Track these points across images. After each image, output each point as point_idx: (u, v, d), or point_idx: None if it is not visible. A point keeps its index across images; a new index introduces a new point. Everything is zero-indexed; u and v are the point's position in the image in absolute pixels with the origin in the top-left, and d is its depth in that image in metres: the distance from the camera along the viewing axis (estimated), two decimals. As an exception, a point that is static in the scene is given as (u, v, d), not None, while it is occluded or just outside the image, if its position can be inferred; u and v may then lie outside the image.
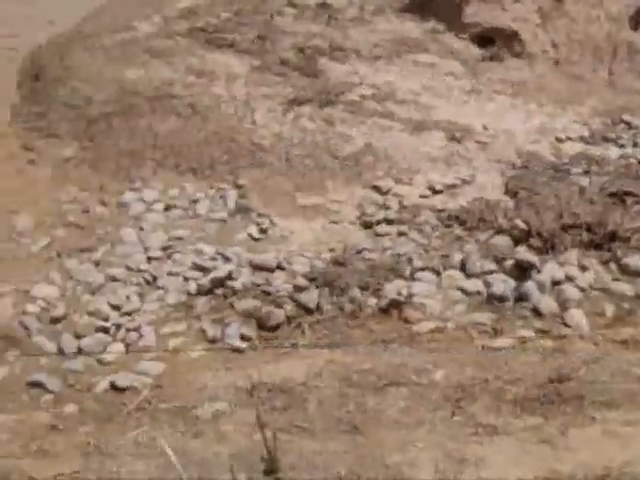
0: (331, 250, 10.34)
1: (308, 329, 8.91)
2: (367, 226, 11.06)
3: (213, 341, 8.67)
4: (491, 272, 9.57)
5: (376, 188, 11.88)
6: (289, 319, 8.98)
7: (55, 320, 8.97)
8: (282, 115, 13.19)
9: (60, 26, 17.44)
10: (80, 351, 8.53)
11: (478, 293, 9.38)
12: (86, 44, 15.83)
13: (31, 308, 9.12)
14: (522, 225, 10.24)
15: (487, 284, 9.40)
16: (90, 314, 8.98)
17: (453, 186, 12.07)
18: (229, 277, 9.39)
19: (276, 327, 8.90)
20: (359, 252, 10.23)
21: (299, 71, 14.83)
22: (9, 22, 18.72)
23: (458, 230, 10.73)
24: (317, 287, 9.35)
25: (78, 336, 8.69)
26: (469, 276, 9.64)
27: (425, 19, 17.95)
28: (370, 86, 14.68)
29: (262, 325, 8.88)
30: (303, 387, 7.95)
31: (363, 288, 9.37)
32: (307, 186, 11.83)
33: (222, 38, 16.06)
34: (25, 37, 17.30)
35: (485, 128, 13.87)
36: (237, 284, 9.30)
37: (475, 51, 17.02)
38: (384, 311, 9.19)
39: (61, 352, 8.54)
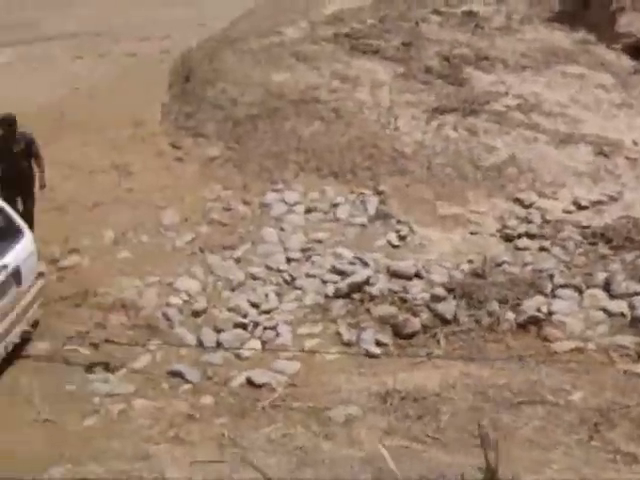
0: (470, 261, 10.20)
1: (443, 339, 8.83)
2: (508, 239, 10.84)
3: (348, 345, 8.72)
4: (637, 294, 9.20)
5: (518, 201, 11.64)
6: (425, 328, 8.94)
7: (196, 313, 9.26)
8: (425, 123, 13.13)
9: (210, 29, 17.95)
10: (219, 345, 8.76)
11: (622, 315, 9.03)
12: (235, 47, 16.24)
13: (174, 300, 9.44)
14: (673, 247, 9.83)
15: (632, 306, 9.05)
16: (230, 310, 9.22)
17: (599, 202, 11.66)
18: (367, 282, 9.42)
19: (411, 335, 8.86)
20: (499, 265, 10.06)
21: (443, 79, 14.74)
22: (162, 25, 19.49)
23: (603, 248, 10.37)
24: (455, 298, 9.26)
25: (218, 330, 8.94)
26: (613, 297, 9.29)
27: (575, 29, 17.51)
28: (516, 96, 14.41)
29: (397, 332, 8.87)
30: (436, 397, 7.87)
31: (502, 302, 9.21)
32: (448, 195, 11.71)
33: (367, 44, 16.15)
34: (177, 39, 17.94)
35: (635, 144, 13.34)
36: (374, 290, 9.32)
37: (627, 63, 16.45)
38: (522, 327, 9.00)
39: (201, 344, 8.80)
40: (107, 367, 8.44)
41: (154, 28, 19.18)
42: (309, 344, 8.73)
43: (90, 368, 8.44)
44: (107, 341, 8.76)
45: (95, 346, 8.73)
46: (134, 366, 8.48)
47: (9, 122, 10.10)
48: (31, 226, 9.37)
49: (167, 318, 9.14)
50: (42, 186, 10.37)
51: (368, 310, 9.12)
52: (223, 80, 14.66)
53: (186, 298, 9.45)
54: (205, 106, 14.08)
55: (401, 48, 16.10)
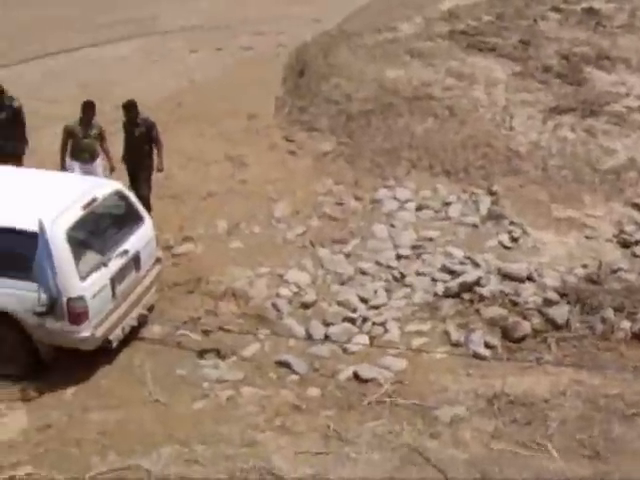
0: (584, 266, 9.94)
1: (554, 345, 8.62)
2: (625, 245, 10.51)
3: (456, 345, 8.63)
4: None
5: (637, 206, 11.27)
6: (535, 332, 8.76)
7: (305, 305, 9.34)
8: (541, 123, 12.86)
9: (325, 24, 18.06)
10: (327, 338, 8.81)
11: None
12: (349, 42, 16.29)
13: (284, 291, 9.55)
14: None
15: None
16: (339, 304, 9.26)
17: None
18: (477, 283, 9.30)
19: (521, 339, 8.69)
20: (615, 272, 9.76)
21: (562, 79, 14.39)
22: (278, 20, 19.74)
23: None
24: (568, 303, 9.03)
25: (326, 323, 8.99)
26: None
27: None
28: (637, 97, 13.93)
29: (507, 335, 8.71)
30: (545, 404, 7.71)
31: (617, 310, 8.93)
32: (563, 198, 11.43)
33: (483, 42, 15.93)
34: (292, 34, 18.11)
35: None
36: (485, 291, 9.19)
37: None
38: (638, 337, 8.71)
39: (309, 337, 8.88)
40: (218, 354, 8.63)
41: (270, 23, 19.44)
42: (417, 342, 8.68)
43: (202, 354, 8.65)
44: (218, 328, 8.96)
45: (206, 332, 8.94)
46: (243, 354, 8.64)
47: (131, 107, 10.52)
48: (148, 211, 9.70)
49: (276, 309, 9.26)
50: (160, 169, 10.78)
51: (478, 311, 9.00)
52: (337, 75, 14.72)
53: (296, 290, 9.56)
54: (319, 101, 14.18)
55: (518, 46, 15.81)
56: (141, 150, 10.62)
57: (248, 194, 11.61)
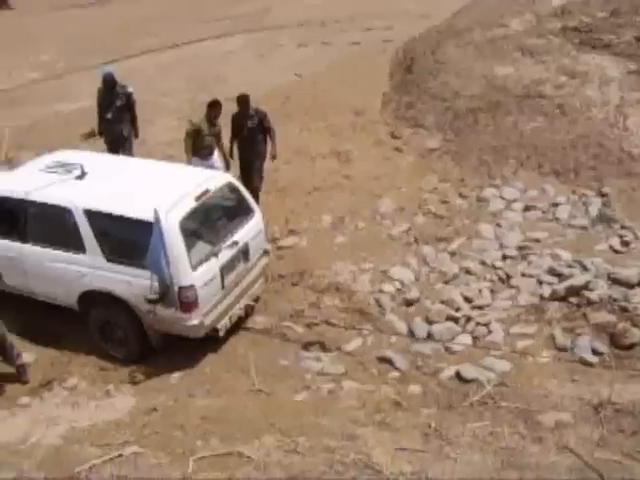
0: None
1: (665, 354, 8.33)
2: None
3: (562, 350, 8.44)
4: None
5: None
6: (645, 340, 8.47)
7: (408, 302, 9.30)
8: (657, 124, 12.37)
9: (433, 20, 17.88)
10: (429, 336, 8.78)
11: None
12: (457, 39, 16.04)
13: (387, 288, 9.54)
14: None
15: None
16: (442, 302, 9.19)
17: None
18: (585, 287, 9.05)
19: (630, 346, 8.40)
20: None
21: (682, 78, 13.76)
22: (386, 15, 19.72)
23: None
24: (681, 311, 8.70)
25: (429, 321, 8.95)
26: None
27: None
28: None
29: (615, 342, 8.45)
30: (654, 415, 7.48)
31: None
32: (679, 203, 10.99)
33: (597, 39, 15.38)
34: (399, 29, 18.06)
35: None
36: (593, 295, 8.94)
37: None
38: None
39: (411, 334, 8.87)
40: (322, 347, 8.72)
41: (378, 19, 19.44)
42: (521, 344, 8.54)
43: (306, 346, 8.76)
44: (322, 322, 9.04)
45: (309, 325, 9.05)
46: (346, 348, 8.71)
47: (244, 101, 10.75)
48: (257, 201, 9.88)
49: (379, 305, 9.27)
50: (273, 157, 11.02)
51: (585, 316, 8.76)
52: (445, 72, 14.55)
53: (399, 287, 9.55)
54: (426, 97, 14.07)
55: (634, 43, 15.17)
56: (254, 141, 10.87)
57: (353, 189, 11.67)
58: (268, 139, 10.95)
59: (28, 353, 8.82)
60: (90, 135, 13.32)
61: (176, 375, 8.43)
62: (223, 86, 15.34)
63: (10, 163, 12.90)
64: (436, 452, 6.97)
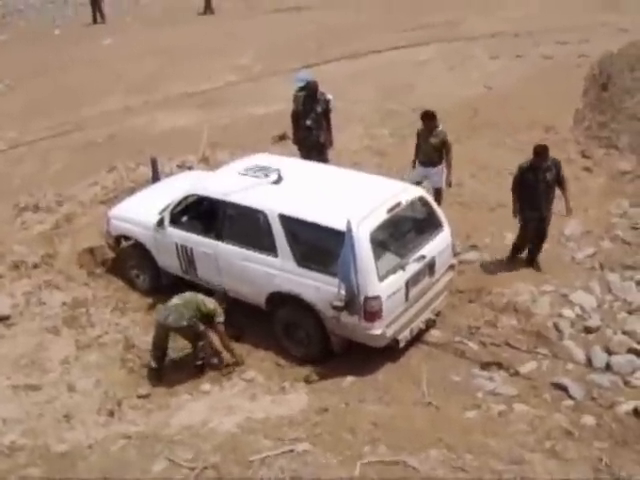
0: None
1: None
2: None
3: None
4: None
5: None
6: None
7: (588, 330, 9.02)
8: None
9: (633, 34, 17.13)
10: (608, 367, 8.49)
11: None
12: (659, 57, 15.33)
13: (567, 312, 9.30)
14: None
15: None
16: (624, 333, 8.85)
17: None
18: None
19: None
20: None
21: None
22: (582, 28, 19.12)
23: None
24: None
25: (609, 352, 8.65)
26: None
27: None
28: None
29: None
30: None
31: None
32: None
33: None
34: (596, 44, 17.44)
35: None
36: None
37: None
38: None
39: (589, 363, 8.60)
40: (499, 367, 8.64)
41: (574, 32, 18.89)
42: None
43: (484, 365, 8.71)
44: (504, 343, 8.96)
45: (484, 343, 8.99)
46: (520, 370, 8.58)
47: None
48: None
49: (558, 329, 9.06)
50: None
51: None
52: (643, 91, 13.97)
53: (580, 312, 9.28)
54: (621, 117, 13.59)
55: None
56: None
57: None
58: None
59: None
60: (281, 138, 13.88)
61: (349, 379, 8.63)
62: (412, 96, 15.52)
63: (206, 161, 13.71)
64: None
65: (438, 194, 10.89)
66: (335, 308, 8.31)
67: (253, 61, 20.11)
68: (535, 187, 9.80)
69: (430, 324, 9.25)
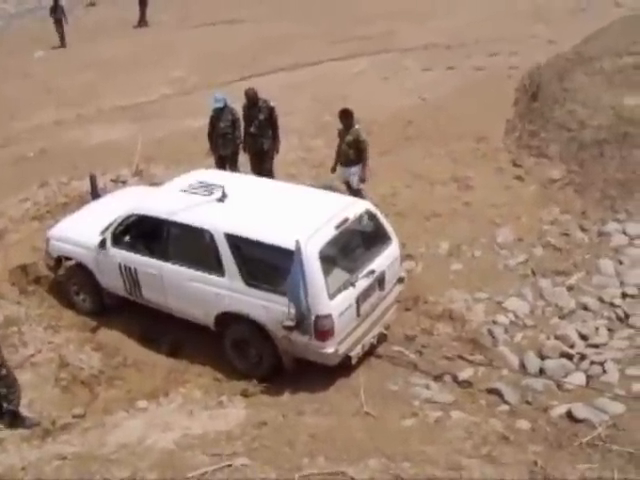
0: None
1: None
2: None
3: (681, 395, 8.12)
4: None
5: None
6: None
7: (521, 336, 9.16)
8: None
9: (561, 46, 17.57)
10: (542, 371, 8.64)
11: None
12: (586, 67, 15.72)
13: (501, 319, 9.46)
14: None
15: None
16: (557, 337, 9.02)
17: None
18: None
19: None
20: None
21: None
22: (512, 40, 19.45)
23: None
24: None
25: (542, 356, 8.81)
26: None
27: None
28: None
29: None
30: None
31: None
32: None
33: None
34: (526, 56, 17.79)
35: None
36: None
37: None
38: None
39: (523, 368, 8.75)
40: (432, 375, 8.71)
41: (504, 43, 19.24)
42: (637, 387, 8.26)
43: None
44: (434, 349, 9.04)
45: (420, 352, 9.06)
46: (456, 377, 8.67)
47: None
48: None
49: (492, 335, 9.19)
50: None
51: None
52: (572, 100, 14.29)
53: (513, 319, 9.44)
54: (550, 126, 13.87)
55: None
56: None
57: (472, 217, 11.61)
58: None
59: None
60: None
61: (287, 392, 8.60)
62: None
63: (140, 175, 13.58)
64: (540, 493, 6.87)
65: (357, 195, 10.87)
66: (286, 328, 8.24)
67: (188, 74, 20.05)
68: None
69: (382, 338, 9.22)
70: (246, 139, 12.22)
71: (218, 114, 12.14)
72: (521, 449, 7.51)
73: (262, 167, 12.04)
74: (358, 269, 8.69)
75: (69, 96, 18.49)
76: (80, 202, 12.18)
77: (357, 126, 11.16)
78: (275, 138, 12.24)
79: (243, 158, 12.49)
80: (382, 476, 6.99)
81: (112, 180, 13.14)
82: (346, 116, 11.11)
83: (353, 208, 8.99)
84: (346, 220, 8.71)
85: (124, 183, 12.93)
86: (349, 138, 11.01)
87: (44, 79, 19.77)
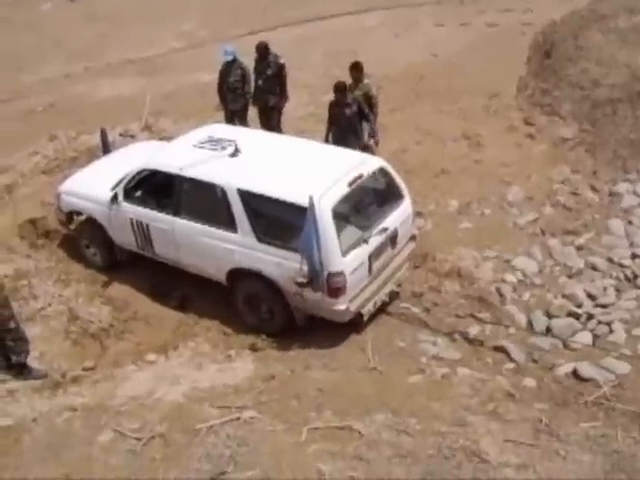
0: None
1: None
2: None
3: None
4: None
5: None
6: None
7: (529, 294, 9.18)
8: None
9: (576, 3, 17.22)
10: (549, 330, 8.67)
11: None
12: (601, 24, 15.48)
13: (509, 277, 9.47)
14: None
15: None
16: (564, 297, 9.05)
17: None
18: None
19: None
20: None
21: None
22: (528, -3, 19.20)
23: None
24: None
25: (549, 315, 8.84)
26: None
27: None
28: None
29: None
30: None
31: None
32: None
33: None
34: (540, 12, 17.50)
35: None
36: None
37: None
38: None
39: (530, 326, 8.78)
40: (440, 332, 8.75)
41: (518, 0, 18.96)
42: (644, 347, 8.33)
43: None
44: (439, 306, 9.07)
45: (427, 309, 9.09)
46: (463, 335, 8.72)
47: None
48: None
49: (500, 294, 9.21)
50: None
51: None
52: (586, 59, 14.13)
53: (521, 277, 9.45)
54: (563, 84, 13.73)
55: None
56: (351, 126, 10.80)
57: (482, 175, 11.56)
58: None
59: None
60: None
61: (295, 346, 8.67)
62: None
63: (149, 129, 13.52)
64: (545, 448, 6.88)
65: (366, 150, 10.58)
66: (298, 284, 8.24)
67: (197, 27, 19.80)
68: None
69: (393, 296, 9.21)
70: (255, 93, 12.10)
71: (228, 67, 12.02)
72: (526, 406, 7.57)
73: (268, 123, 11.95)
74: (371, 226, 8.67)
75: (77, 49, 18.33)
76: (89, 156, 12.15)
77: (367, 81, 11.01)
78: (282, 95, 12.08)
79: (253, 113, 12.40)
80: (388, 431, 7.06)
81: (121, 134, 13.06)
82: (355, 69, 10.95)
83: (367, 165, 8.92)
84: (360, 177, 8.66)
85: (133, 137, 12.86)
86: (359, 93, 10.87)
87: (51, 32, 19.55)
